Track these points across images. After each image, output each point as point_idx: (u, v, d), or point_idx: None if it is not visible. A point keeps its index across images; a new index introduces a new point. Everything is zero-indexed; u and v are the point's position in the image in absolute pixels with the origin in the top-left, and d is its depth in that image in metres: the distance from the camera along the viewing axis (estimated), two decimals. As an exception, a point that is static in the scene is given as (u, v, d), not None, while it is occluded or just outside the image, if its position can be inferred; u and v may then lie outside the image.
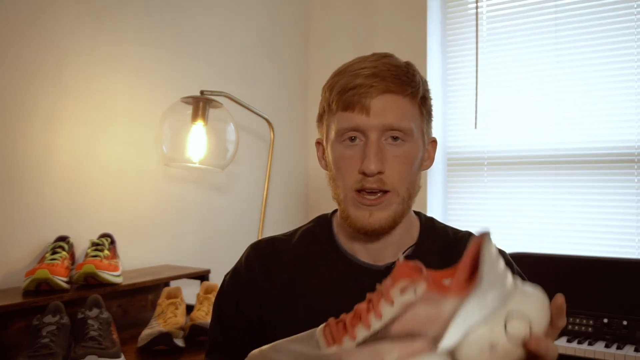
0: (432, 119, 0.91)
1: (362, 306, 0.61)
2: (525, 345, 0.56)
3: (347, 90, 0.83)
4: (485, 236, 0.63)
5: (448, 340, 0.56)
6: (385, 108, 0.82)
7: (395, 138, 0.83)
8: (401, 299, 0.58)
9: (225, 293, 0.96)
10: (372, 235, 0.86)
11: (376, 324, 0.58)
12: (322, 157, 0.94)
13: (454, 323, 0.56)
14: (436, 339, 0.56)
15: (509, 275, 0.61)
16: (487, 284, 0.58)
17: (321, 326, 0.63)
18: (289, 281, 0.91)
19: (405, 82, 0.84)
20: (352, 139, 0.84)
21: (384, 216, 0.84)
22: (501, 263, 0.61)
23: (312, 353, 0.59)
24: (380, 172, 0.82)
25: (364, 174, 0.82)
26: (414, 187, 0.87)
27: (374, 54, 0.87)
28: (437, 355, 0.56)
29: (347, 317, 0.62)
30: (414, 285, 0.59)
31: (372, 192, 0.83)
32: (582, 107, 2.12)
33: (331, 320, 0.63)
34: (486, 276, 0.59)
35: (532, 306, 0.58)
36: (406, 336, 0.57)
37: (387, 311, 0.58)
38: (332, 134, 0.87)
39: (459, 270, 0.62)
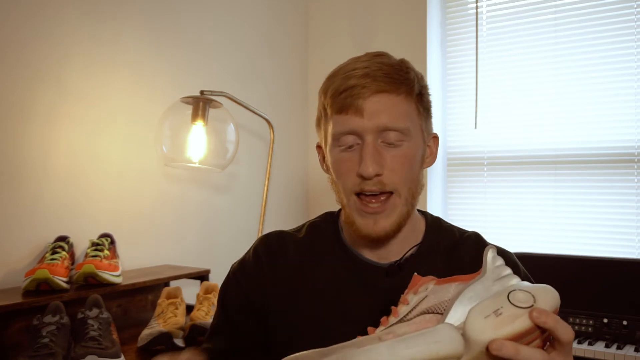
0: (432, 115, 0.90)
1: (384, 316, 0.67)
2: (529, 315, 0.54)
3: (340, 93, 0.82)
4: (489, 246, 0.67)
5: (454, 312, 0.58)
6: (379, 109, 0.81)
7: (391, 140, 0.82)
8: (415, 297, 0.64)
9: (231, 281, 0.96)
10: (378, 241, 0.86)
11: (394, 321, 0.63)
12: (323, 160, 0.93)
13: (459, 299, 0.59)
14: (444, 315, 0.59)
15: (515, 278, 0.62)
16: (492, 276, 0.61)
17: None
18: (293, 274, 0.91)
19: (398, 80, 0.82)
20: (349, 145, 0.83)
21: (388, 223, 0.83)
22: (507, 270, 0.63)
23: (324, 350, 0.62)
24: (378, 175, 0.81)
25: (362, 177, 0.81)
26: (416, 187, 0.86)
27: (366, 54, 0.86)
28: (446, 324, 0.57)
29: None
30: (425, 285, 0.64)
31: (373, 194, 0.82)
32: (582, 107, 2.12)
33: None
34: (490, 271, 0.61)
35: (536, 287, 0.58)
36: (419, 316, 0.62)
37: (403, 310, 0.63)
38: (329, 138, 0.86)
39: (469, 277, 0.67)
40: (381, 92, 0.81)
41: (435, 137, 0.92)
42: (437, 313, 0.60)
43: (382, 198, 0.82)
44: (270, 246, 0.95)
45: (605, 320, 1.81)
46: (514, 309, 0.55)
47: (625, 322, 1.78)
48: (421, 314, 0.61)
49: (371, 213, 0.82)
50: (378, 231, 0.83)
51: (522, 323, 0.54)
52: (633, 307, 1.81)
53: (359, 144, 0.83)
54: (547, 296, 0.57)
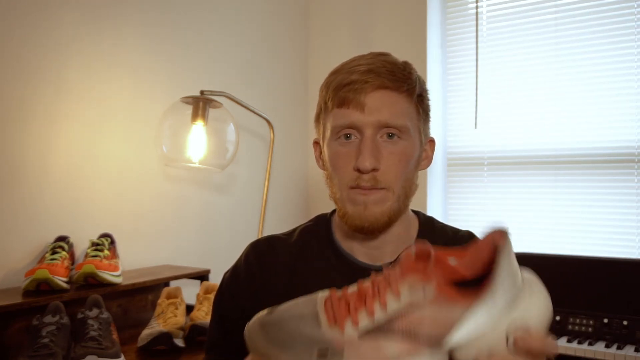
0: (430, 119, 0.91)
1: (366, 287, 0.60)
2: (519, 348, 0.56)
3: (342, 87, 0.83)
4: (504, 237, 0.60)
5: (450, 341, 0.55)
6: (380, 104, 0.82)
7: (390, 135, 0.83)
8: (409, 296, 0.57)
9: (224, 291, 0.96)
10: (368, 232, 0.85)
11: (380, 315, 0.57)
12: (319, 157, 0.94)
13: (460, 326, 0.55)
14: (439, 340, 0.56)
15: (519, 274, 0.59)
16: (500, 290, 0.57)
17: (322, 296, 0.62)
18: (287, 280, 0.91)
19: (401, 78, 0.83)
20: (347, 137, 0.84)
21: (378, 211, 0.83)
22: (515, 262, 0.59)
23: (315, 335, 0.58)
24: (375, 169, 0.81)
25: (359, 170, 0.81)
26: (410, 186, 0.87)
27: (371, 53, 0.87)
28: (438, 354, 0.56)
29: (350, 295, 0.60)
30: (423, 284, 0.57)
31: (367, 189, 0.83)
32: (582, 107, 2.12)
33: (333, 293, 0.61)
34: (500, 285, 0.57)
35: (535, 312, 0.57)
36: (409, 334, 0.56)
37: (393, 304, 0.57)
38: (328, 132, 0.87)
39: (468, 256, 0.61)
40: (383, 89, 0.82)
41: (432, 141, 0.93)
42: (429, 336, 0.56)
43: (374, 191, 0.83)
44: (261, 251, 0.95)
45: (606, 320, 1.81)
46: (507, 354, 0.56)
47: (625, 322, 1.78)
48: (411, 333, 0.56)
49: (362, 196, 0.83)
50: (368, 217, 0.83)
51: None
52: (633, 307, 1.81)
53: (358, 138, 0.83)
54: (542, 320, 0.58)
